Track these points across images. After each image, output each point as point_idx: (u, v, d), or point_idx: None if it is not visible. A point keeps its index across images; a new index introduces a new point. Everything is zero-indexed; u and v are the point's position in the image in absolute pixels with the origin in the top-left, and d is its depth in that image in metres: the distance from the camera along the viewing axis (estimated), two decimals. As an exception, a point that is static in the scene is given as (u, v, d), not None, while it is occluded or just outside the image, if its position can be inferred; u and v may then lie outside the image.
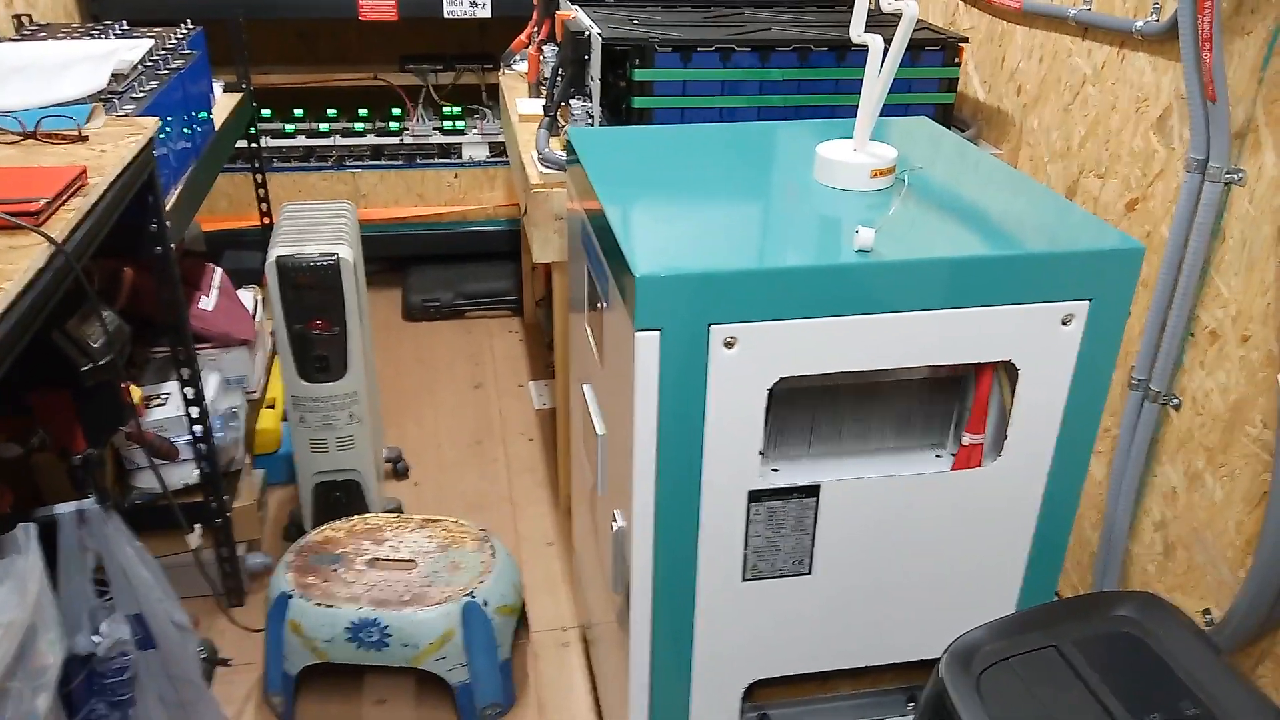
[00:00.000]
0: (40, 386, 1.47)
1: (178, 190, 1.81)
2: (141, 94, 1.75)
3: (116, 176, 1.38)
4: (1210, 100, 1.44)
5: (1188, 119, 1.51)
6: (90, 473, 1.37)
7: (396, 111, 3.23)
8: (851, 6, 1.27)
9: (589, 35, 1.98)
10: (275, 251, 1.89)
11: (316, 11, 2.93)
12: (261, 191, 2.82)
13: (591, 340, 1.45)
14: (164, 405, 1.85)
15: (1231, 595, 1.51)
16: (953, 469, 1.30)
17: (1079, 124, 1.85)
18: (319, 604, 1.70)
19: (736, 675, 1.36)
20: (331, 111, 3.19)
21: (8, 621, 1.08)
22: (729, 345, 1.12)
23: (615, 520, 1.30)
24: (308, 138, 3.15)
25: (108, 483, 1.78)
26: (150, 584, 1.40)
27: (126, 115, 1.64)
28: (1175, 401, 1.62)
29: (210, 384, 1.95)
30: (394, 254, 3.34)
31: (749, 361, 1.14)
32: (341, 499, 2.12)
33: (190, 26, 2.20)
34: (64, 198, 1.25)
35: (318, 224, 2.03)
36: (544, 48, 2.39)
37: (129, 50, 1.90)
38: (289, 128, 3.14)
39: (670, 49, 1.89)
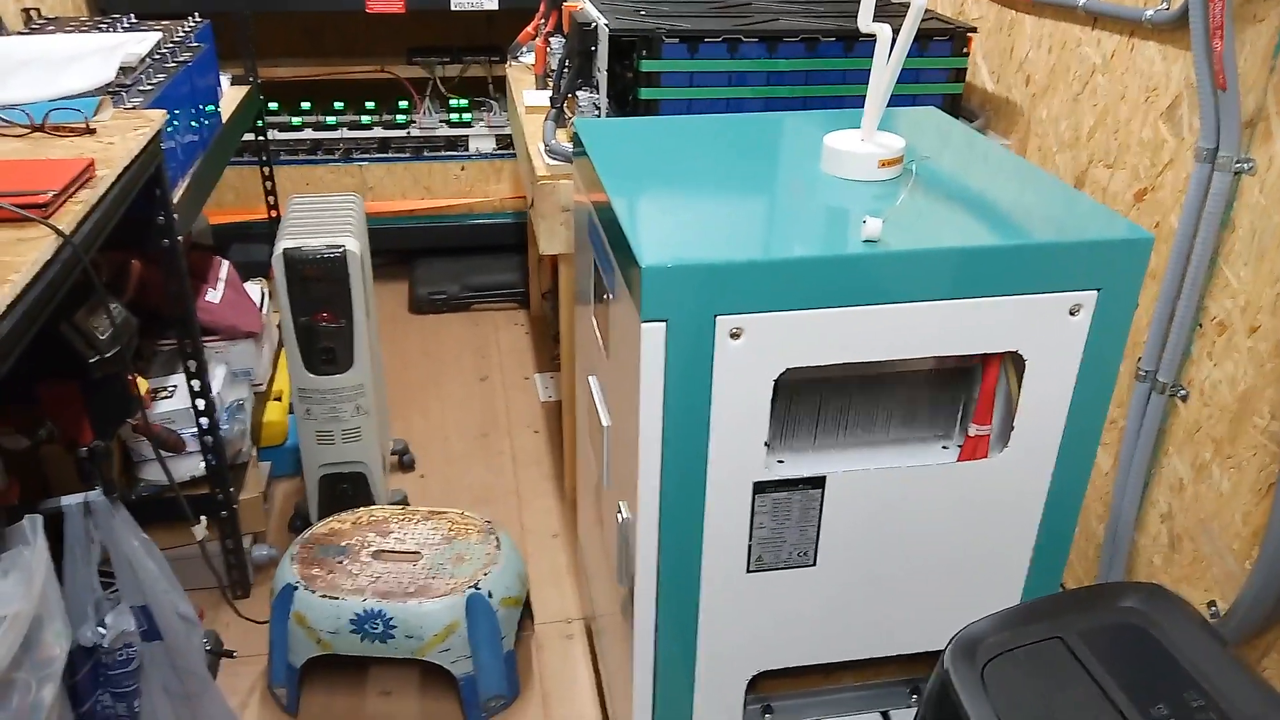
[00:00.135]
0: (48, 378, 1.47)
1: (185, 183, 1.81)
2: (149, 87, 1.75)
3: (124, 169, 1.39)
4: (1221, 89, 1.43)
5: (1197, 108, 1.50)
6: (97, 464, 1.37)
7: (403, 104, 3.23)
8: (858, -4, 1.26)
9: (596, 26, 1.98)
10: (282, 244, 1.90)
11: (323, 4, 2.93)
12: (268, 184, 2.82)
13: (597, 332, 1.45)
14: (171, 397, 1.86)
15: (1238, 587, 1.50)
16: (959, 460, 1.30)
17: (1088, 114, 1.84)
18: (324, 596, 1.70)
19: (740, 667, 1.36)
20: (338, 104, 3.19)
21: (14, 613, 1.09)
22: (735, 336, 1.12)
23: (620, 512, 1.30)
24: (315, 130, 3.15)
25: (114, 474, 1.78)
26: (156, 576, 1.40)
27: (134, 108, 1.64)
28: (1183, 392, 1.62)
29: (217, 376, 1.95)
30: (401, 246, 3.34)
31: (755, 352, 1.14)
32: (347, 491, 2.13)
33: (198, 20, 2.20)
34: (72, 190, 1.25)
35: (325, 216, 2.03)
36: (551, 39, 2.39)
37: (136, 43, 1.90)
38: (296, 120, 3.14)
39: (677, 40, 1.89)
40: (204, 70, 2.05)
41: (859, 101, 1.36)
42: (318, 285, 1.92)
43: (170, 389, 1.87)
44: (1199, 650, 1.06)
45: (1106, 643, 1.07)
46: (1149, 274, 1.66)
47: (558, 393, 2.76)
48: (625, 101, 1.97)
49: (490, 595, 1.72)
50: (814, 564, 1.30)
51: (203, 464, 1.87)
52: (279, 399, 2.33)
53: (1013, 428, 1.26)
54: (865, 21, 1.26)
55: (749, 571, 1.28)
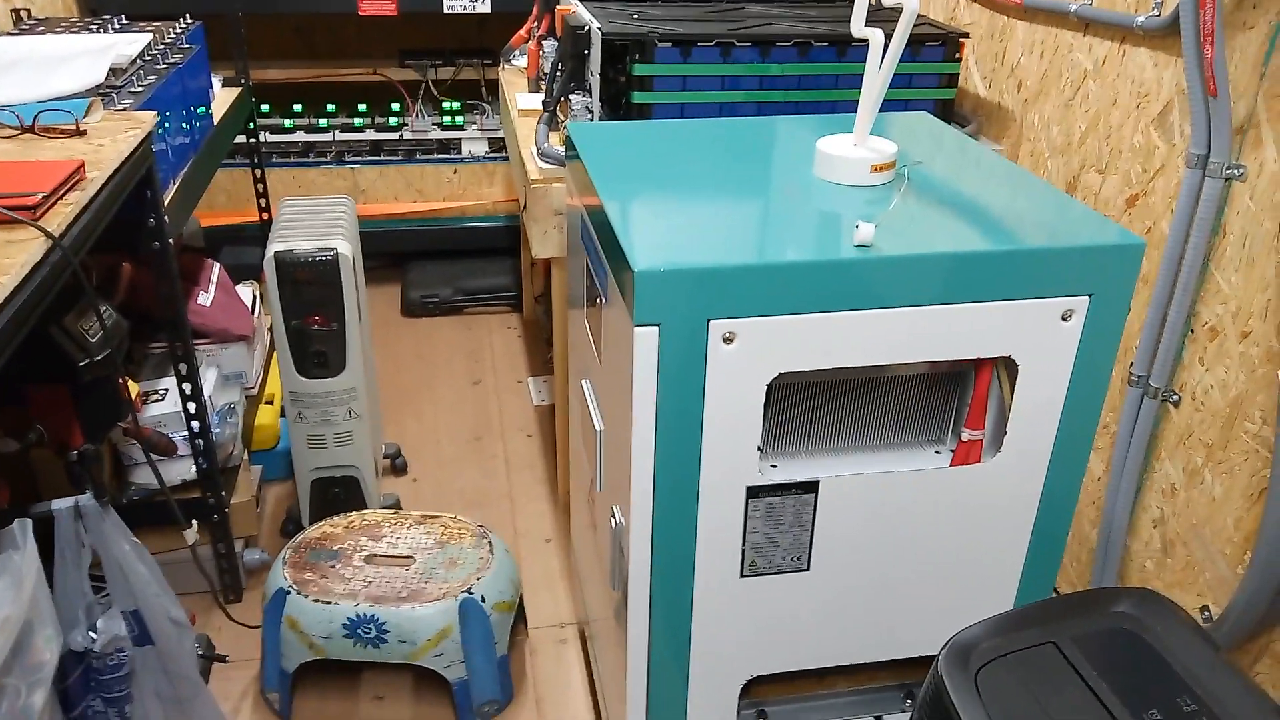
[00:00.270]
0: (38, 382, 1.46)
1: (176, 185, 1.81)
2: (140, 88, 1.74)
3: (114, 171, 1.38)
4: (1211, 95, 1.43)
5: (1189, 114, 1.51)
6: (87, 468, 1.36)
7: (396, 107, 3.23)
8: (852, 1, 1.26)
9: (589, 30, 1.98)
10: (274, 247, 1.89)
11: (316, 6, 2.93)
12: (260, 187, 2.82)
13: (590, 336, 1.44)
14: (162, 401, 1.85)
15: (1230, 592, 1.51)
16: (952, 465, 1.30)
17: (1080, 119, 1.85)
18: (316, 600, 1.69)
19: (734, 672, 1.36)
20: (330, 107, 3.18)
21: (3, 617, 1.08)
22: (728, 340, 1.12)
23: (614, 516, 1.30)
24: (307, 133, 3.14)
25: (105, 478, 1.78)
26: (147, 580, 1.40)
27: (125, 110, 1.64)
28: (1175, 397, 1.62)
29: (208, 379, 1.95)
30: (393, 250, 3.33)
31: (748, 357, 1.14)
32: (339, 495, 2.12)
33: (189, 21, 2.19)
34: (61, 192, 1.25)
35: (316, 219, 2.02)
36: (544, 43, 2.39)
37: (127, 44, 1.90)
38: (288, 123, 3.13)
39: (670, 44, 1.89)
40: (195, 72, 2.05)
41: (851, 106, 1.36)
42: (309, 288, 1.91)
43: (161, 392, 1.86)
44: (1192, 655, 1.06)
45: (1100, 648, 1.08)
46: (1141, 279, 1.66)
47: (551, 397, 2.76)
48: (618, 105, 1.97)
49: (483, 600, 1.71)
50: (807, 569, 1.30)
51: (194, 467, 1.86)
52: (270, 402, 2.33)
53: (1005, 433, 1.26)
54: (858, 26, 1.27)
55: (742, 576, 1.28)
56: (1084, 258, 1.16)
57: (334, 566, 1.77)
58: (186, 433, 1.82)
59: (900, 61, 1.26)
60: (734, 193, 1.31)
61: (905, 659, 1.41)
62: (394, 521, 1.88)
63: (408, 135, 3.19)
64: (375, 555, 1.80)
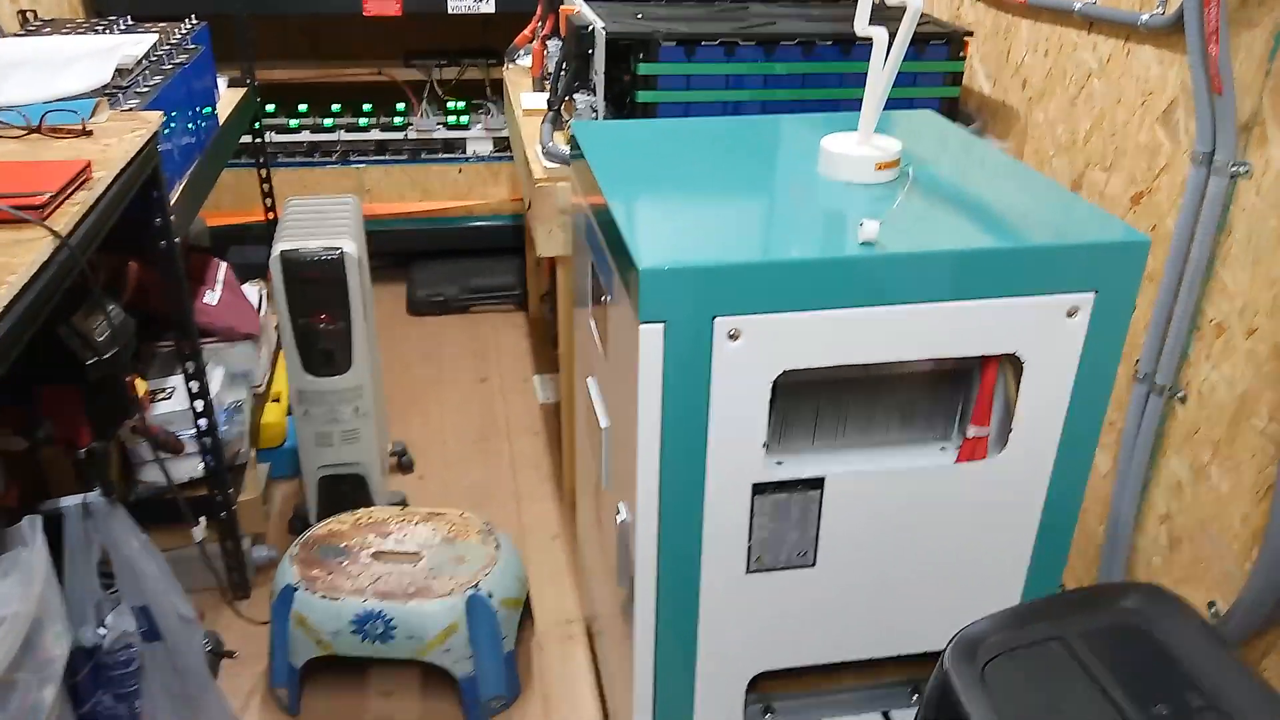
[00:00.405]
0: (46, 380, 1.47)
1: (182, 185, 1.81)
2: (146, 89, 1.75)
3: (121, 171, 1.39)
4: (1217, 93, 1.43)
5: (1194, 112, 1.51)
6: (96, 466, 1.37)
7: (400, 107, 3.23)
8: (856, 0, 1.27)
9: (593, 29, 1.98)
10: (280, 246, 1.90)
11: (321, 7, 2.93)
12: (266, 186, 2.82)
13: (596, 334, 1.45)
14: (169, 399, 1.86)
15: (1237, 588, 1.51)
16: (957, 462, 1.30)
17: (1084, 117, 1.85)
18: (324, 596, 1.70)
19: (740, 668, 1.37)
20: (336, 107, 3.19)
21: (13, 614, 1.09)
22: (733, 338, 1.12)
23: (619, 513, 1.30)
24: (312, 133, 3.15)
25: (113, 476, 1.78)
26: (156, 577, 1.40)
27: (131, 110, 1.64)
28: (1181, 394, 1.62)
29: (215, 378, 1.95)
30: (399, 249, 3.34)
31: (753, 354, 1.14)
32: (346, 492, 2.12)
33: (195, 22, 2.20)
34: (69, 192, 1.25)
35: (322, 219, 2.03)
36: (548, 42, 2.39)
37: (133, 45, 1.90)
38: (293, 123, 3.14)
39: (674, 43, 1.89)
40: (201, 72, 2.05)
41: (856, 105, 1.36)
42: (315, 287, 1.92)
43: (169, 390, 1.87)
44: (1199, 650, 1.06)
45: (1107, 643, 1.08)
46: (1146, 277, 1.66)
47: (556, 395, 2.76)
48: (622, 104, 1.98)
49: (490, 596, 1.72)
50: (813, 565, 1.30)
51: (201, 465, 1.87)
52: (277, 400, 2.33)
53: (1011, 429, 1.26)
54: (862, 25, 1.27)
55: (748, 572, 1.29)
56: (1089, 255, 1.16)
57: (341, 563, 1.77)
58: (194, 431, 1.83)
59: (904, 60, 1.26)
60: (739, 191, 1.31)
61: (912, 654, 1.41)
62: (401, 518, 1.89)
63: (413, 135, 3.19)
64: (383, 552, 1.80)
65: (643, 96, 1.92)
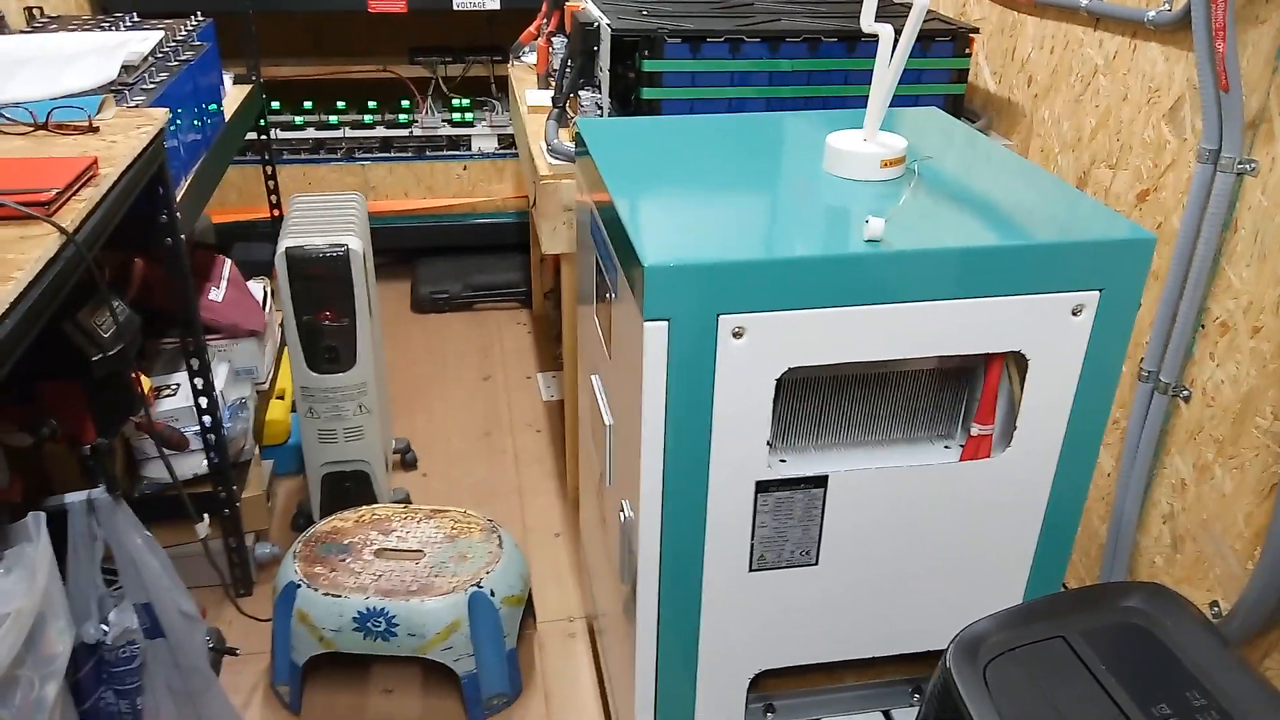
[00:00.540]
0: (51, 376, 1.47)
1: (188, 181, 1.82)
2: (152, 85, 1.75)
3: (127, 167, 1.39)
4: (1223, 90, 1.43)
5: (1200, 109, 1.50)
6: (100, 462, 1.37)
7: (405, 104, 3.23)
8: (861, -4, 1.26)
9: (598, 26, 1.98)
10: (285, 243, 1.90)
11: (326, 4, 2.94)
12: (271, 183, 2.83)
13: (600, 331, 1.45)
14: (174, 395, 1.86)
15: (1240, 587, 1.50)
16: (961, 460, 1.30)
17: (1090, 115, 1.84)
18: (326, 594, 1.70)
19: (742, 666, 1.36)
20: (341, 104, 3.19)
21: (17, 609, 1.09)
22: (737, 335, 1.12)
23: (623, 511, 1.30)
24: (317, 130, 3.15)
25: (117, 472, 1.79)
26: (159, 573, 1.40)
27: (137, 107, 1.64)
28: (1185, 393, 1.62)
29: (220, 375, 1.96)
30: (403, 246, 3.34)
31: (757, 351, 1.14)
32: (350, 489, 2.13)
33: (200, 19, 2.20)
34: (75, 188, 1.26)
35: (327, 216, 2.03)
36: (553, 39, 2.39)
37: (139, 42, 1.91)
38: (298, 120, 3.14)
39: (679, 40, 1.89)
40: (206, 69, 2.05)
41: (861, 102, 1.36)
42: (320, 284, 1.92)
43: (173, 387, 1.88)
44: (1201, 650, 1.06)
45: (1109, 642, 1.08)
46: (1151, 275, 1.66)
47: (560, 392, 2.76)
48: (627, 101, 1.98)
49: (492, 594, 1.72)
50: (816, 563, 1.30)
51: (205, 462, 1.87)
52: (281, 397, 2.34)
53: (1015, 428, 1.26)
54: (867, 22, 1.27)
55: (751, 570, 1.29)
56: (1095, 252, 1.16)
57: (344, 560, 1.77)
58: (198, 427, 1.84)
59: (910, 57, 1.26)
60: (744, 188, 1.31)
61: (914, 653, 1.41)
62: (404, 516, 1.89)
63: (418, 132, 3.20)
64: (385, 549, 1.80)
65: (648, 93, 1.92)
